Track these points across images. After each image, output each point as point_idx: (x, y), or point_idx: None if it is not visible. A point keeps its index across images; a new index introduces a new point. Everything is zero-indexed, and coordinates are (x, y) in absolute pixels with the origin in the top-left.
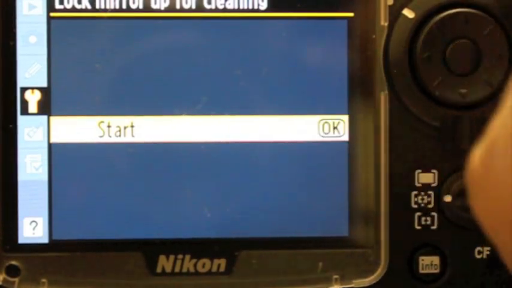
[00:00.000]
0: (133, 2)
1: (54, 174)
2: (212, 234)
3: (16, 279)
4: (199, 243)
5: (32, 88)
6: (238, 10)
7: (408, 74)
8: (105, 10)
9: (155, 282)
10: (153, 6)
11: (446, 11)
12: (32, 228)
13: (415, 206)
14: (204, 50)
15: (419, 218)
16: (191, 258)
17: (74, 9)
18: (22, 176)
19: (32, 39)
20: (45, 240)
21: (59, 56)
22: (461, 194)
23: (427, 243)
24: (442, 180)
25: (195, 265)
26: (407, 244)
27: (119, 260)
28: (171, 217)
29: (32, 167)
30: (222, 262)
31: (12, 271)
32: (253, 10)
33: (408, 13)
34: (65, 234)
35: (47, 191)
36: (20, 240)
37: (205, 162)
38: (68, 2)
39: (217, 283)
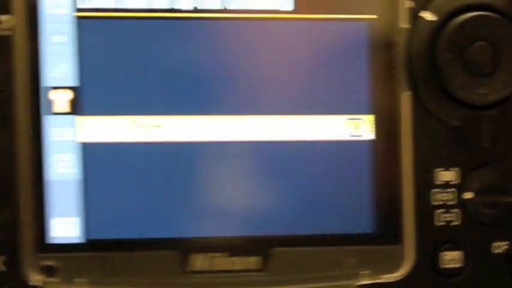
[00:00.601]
0: (158, 2)
1: (88, 174)
2: (246, 232)
3: (53, 279)
4: (234, 241)
5: (59, 88)
6: (265, 11)
7: (430, 75)
8: (130, 10)
9: (190, 280)
10: (178, 6)
11: (465, 13)
12: (63, 228)
13: (438, 203)
14: (232, 50)
15: (442, 214)
16: (226, 256)
17: (99, 9)
18: (52, 175)
19: (58, 38)
20: (81, 240)
21: (87, 56)
22: (481, 191)
23: (449, 239)
24: (463, 177)
25: (229, 263)
26: (430, 240)
27: (154, 259)
28: (206, 216)
29: (61, 167)
30: (257, 259)
31: (48, 271)
32: (279, 12)
33: (429, 16)
34: (100, 234)
35: (80, 190)
36: (52, 240)
37: (239, 161)
38: (94, 2)
39: (252, 280)
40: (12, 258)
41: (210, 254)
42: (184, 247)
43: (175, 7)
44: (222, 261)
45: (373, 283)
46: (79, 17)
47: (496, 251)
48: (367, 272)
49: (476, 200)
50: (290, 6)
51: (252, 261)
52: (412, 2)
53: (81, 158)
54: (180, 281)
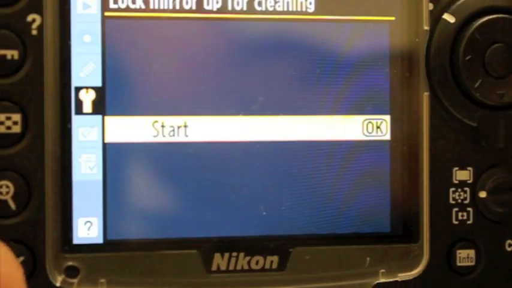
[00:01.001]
0: (187, 3)
1: (109, 174)
2: (267, 231)
3: (75, 280)
4: (254, 241)
5: (87, 87)
6: (288, 12)
7: (449, 76)
8: (158, 10)
9: (211, 280)
10: (206, 7)
11: (485, 16)
12: (87, 228)
13: (453, 202)
14: (257, 51)
15: (457, 213)
16: (245, 255)
17: (128, 9)
18: (77, 176)
19: (87, 38)
20: (100, 240)
21: (113, 56)
22: (494, 190)
23: (463, 237)
24: (477, 176)
25: (248, 262)
26: (446, 238)
27: (175, 259)
28: (227, 215)
29: (86, 167)
30: (275, 259)
31: (71, 272)
32: (301, 12)
33: (449, 18)
34: (119, 234)
35: (101, 191)
36: (75, 241)
37: (259, 161)
38: (123, 2)
39: (271, 279)
40: (33, 259)
41: (230, 254)
42: (205, 247)
43: (203, 8)
44: (242, 261)
45: (391, 281)
46: (107, 17)
47: (508, 249)
48: (385, 270)
49: (490, 199)
50: (312, 7)
51: (269, 261)
52: (432, 4)
53: (104, 158)
54: (201, 281)
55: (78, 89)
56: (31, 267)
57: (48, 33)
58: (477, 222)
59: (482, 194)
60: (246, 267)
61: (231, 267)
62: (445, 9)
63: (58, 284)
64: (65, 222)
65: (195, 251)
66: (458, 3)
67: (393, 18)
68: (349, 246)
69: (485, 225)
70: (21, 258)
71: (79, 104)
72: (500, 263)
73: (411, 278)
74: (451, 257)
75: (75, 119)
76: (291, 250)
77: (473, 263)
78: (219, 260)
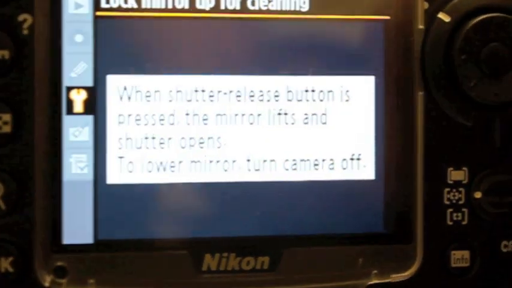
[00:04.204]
0: (179, 2)
1: (99, 174)
2: (259, 232)
3: (64, 280)
4: (245, 242)
5: (78, 87)
6: (281, 12)
7: (444, 76)
8: (151, 10)
9: (201, 280)
10: (198, 6)
11: (480, 15)
12: (80, 229)
13: (448, 203)
14: (252, 50)
15: (451, 214)
16: (236, 256)
17: (120, 9)
18: (67, 176)
19: (78, 38)
20: (90, 240)
21: (104, 55)
22: (490, 191)
23: (458, 238)
24: (472, 177)
25: (239, 263)
26: (440, 239)
27: (165, 259)
28: (218, 216)
29: (77, 167)
30: (266, 260)
31: (60, 272)
32: (295, 12)
33: (444, 17)
34: (109, 234)
35: (92, 191)
36: (66, 241)
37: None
38: (115, 2)
39: (262, 280)
40: (22, 259)
41: (221, 254)
42: (195, 247)
43: (196, 7)
44: (233, 262)
45: (384, 282)
46: (99, 17)
47: (503, 250)
48: (378, 271)
49: (485, 200)
50: (306, 7)
51: (260, 262)
52: (427, 3)
53: (95, 158)
54: (191, 281)
55: (69, 89)
56: (20, 268)
57: (39, 33)
58: (472, 223)
59: (478, 195)
60: (236, 267)
61: (222, 268)
62: (440, 8)
63: (47, 285)
64: (54, 223)
65: (185, 251)
66: (453, 2)
67: (388, 17)
68: (341, 247)
69: (480, 226)
70: (11, 259)
71: (70, 103)
72: (495, 264)
73: (404, 279)
74: (445, 258)
75: (66, 119)
76: (283, 251)
77: (468, 264)
78: (210, 260)
